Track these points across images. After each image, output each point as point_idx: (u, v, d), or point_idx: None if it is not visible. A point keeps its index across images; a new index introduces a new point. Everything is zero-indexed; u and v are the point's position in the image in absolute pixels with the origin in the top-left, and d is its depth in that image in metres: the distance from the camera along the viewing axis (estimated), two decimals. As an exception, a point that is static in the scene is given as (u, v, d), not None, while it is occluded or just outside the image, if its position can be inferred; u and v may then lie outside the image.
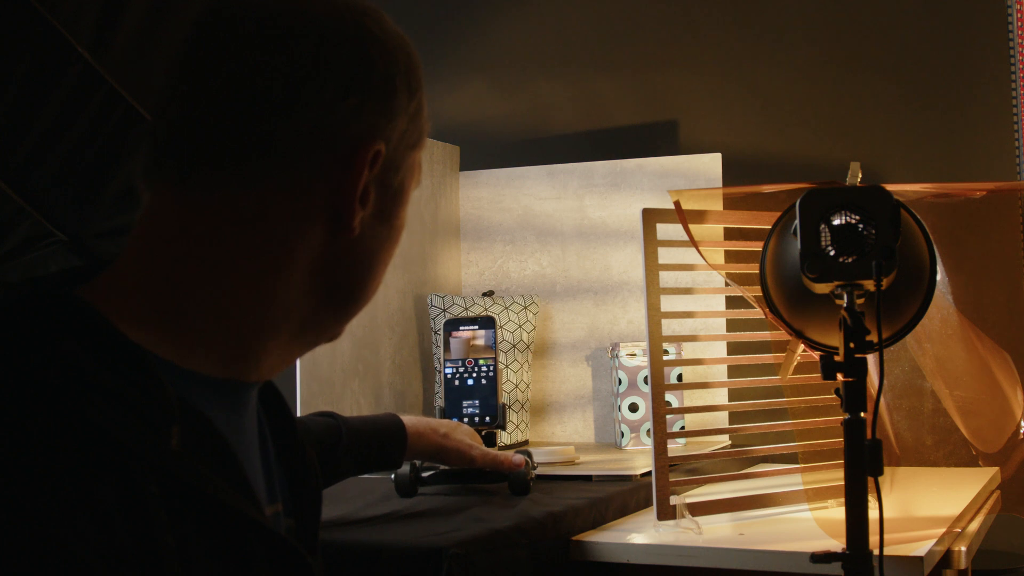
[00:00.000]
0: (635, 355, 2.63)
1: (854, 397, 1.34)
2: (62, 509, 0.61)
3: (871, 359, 1.46)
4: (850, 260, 1.32)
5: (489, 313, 2.70)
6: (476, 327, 2.06)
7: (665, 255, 1.87)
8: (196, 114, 0.77)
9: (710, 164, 2.76)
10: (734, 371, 2.63)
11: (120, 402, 0.68)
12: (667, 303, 1.87)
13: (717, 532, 1.79)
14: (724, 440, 2.60)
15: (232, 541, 0.73)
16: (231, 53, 0.77)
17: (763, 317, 1.62)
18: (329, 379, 2.38)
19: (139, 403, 0.70)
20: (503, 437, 2.64)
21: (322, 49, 0.77)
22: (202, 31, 0.79)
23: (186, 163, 0.77)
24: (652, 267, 1.85)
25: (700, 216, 1.84)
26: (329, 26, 0.78)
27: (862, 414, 1.34)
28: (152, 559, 0.65)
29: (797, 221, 1.34)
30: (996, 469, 2.23)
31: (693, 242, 1.79)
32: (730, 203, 2.02)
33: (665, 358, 1.87)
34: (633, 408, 2.62)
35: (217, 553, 0.72)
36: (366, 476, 2.28)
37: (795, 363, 1.66)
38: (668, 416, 2.07)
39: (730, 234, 1.97)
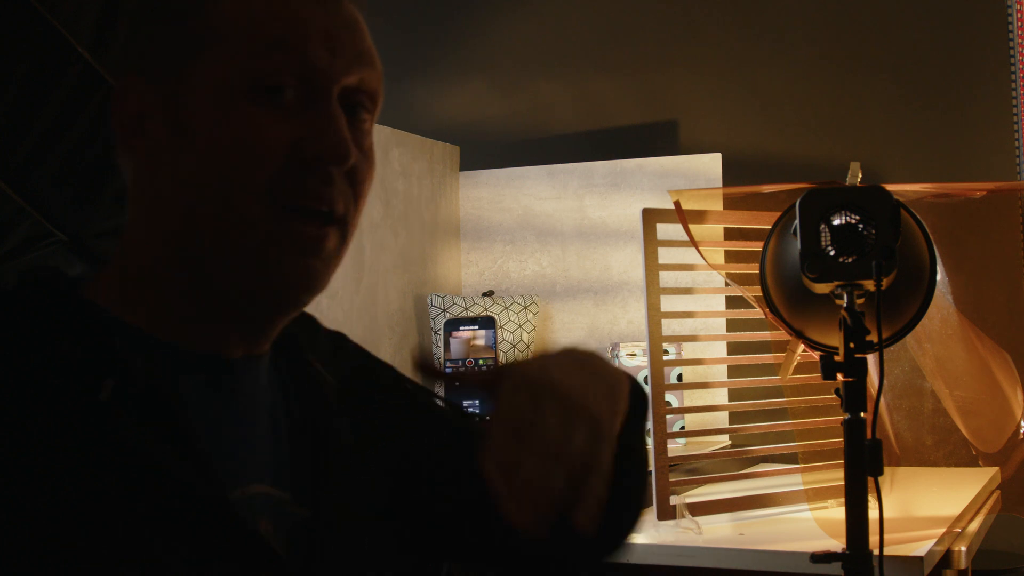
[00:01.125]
0: (635, 355, 2.63)
1: (854, 397, 1.34)
2: None
3: (871, 359, 1.46)
4: (850, 260, 1.32)
5: (489, 313, 2.70)
6: (476, 327, 2.06)
7: (665, 255, 1.87)
8: None
9: (710, 164, 2.76)
10: (734, 371, 2.63)
11: (54, 354, 0.72)
12: (667, 303, 1.87)
13: (717, 532, 1.79)
14: (724, 440, 2.59)
15: (166, 503, 0.72)
16: None
17: (763, 317, 1.62)
18: (329, 379, 2.38)
19: (76, 355, 0.73)
20: (503, 437, 2.64)
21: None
22: None
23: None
24: (652, 267, 1.85)
25: (700, 216, 1.85)
26: None
27: (862, 414, 1.34)
28: (54, 503, 0.67)
29: (797, 221, 1.34)
30: (996, 469, 2.23)
31: (693, 242, 1.79)
32: (730, 203, 2.02)
33: (665, 358, 1.87)
34: (633, 408, 2.61)
35: (148, 513, 0.71)
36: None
37: (795, 363, 1.66)
38: (668, 416, 2.07)
39: (730, 234, 1.97)
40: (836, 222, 1.33)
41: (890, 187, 1.36)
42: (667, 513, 1.80)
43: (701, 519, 1.79)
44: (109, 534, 0.69)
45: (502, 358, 2.67)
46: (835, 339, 1.36)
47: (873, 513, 1.32)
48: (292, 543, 0.81)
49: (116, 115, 0.80)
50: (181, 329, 0.80)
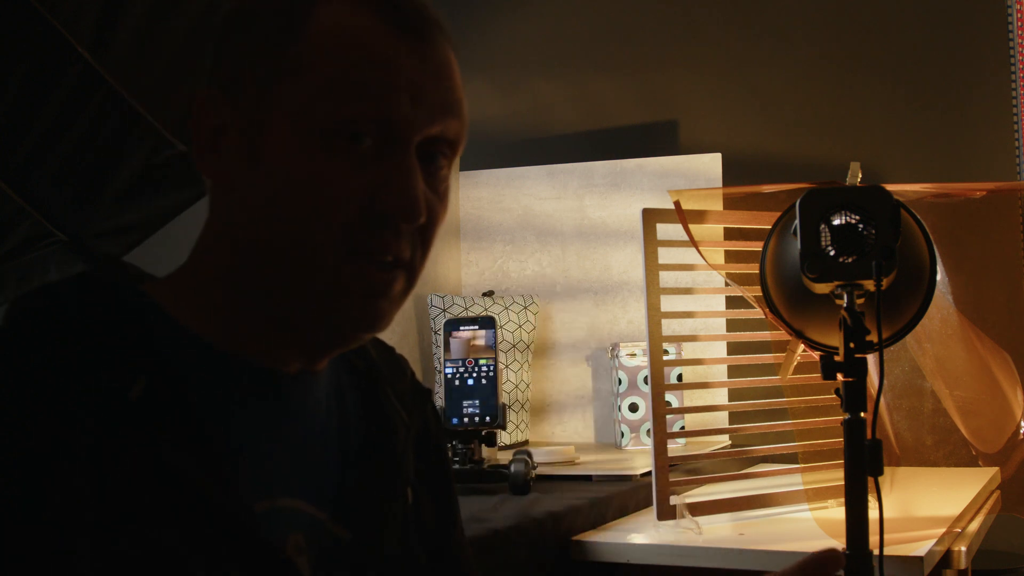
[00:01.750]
0: (635, 355, 2.63)
1: (854, 397, 1.34)
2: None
3: (871, 359, 1.46)
4: (850, 260, 1.32)
5: (489, 313, 2.70)
6: (476, 327, 2.06)
7: (665, 255, 1.87)
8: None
9: (710, 164, 2.76)
10: (734, 371, 2.63)
11: (99, 345, 0.72)
12: (667, 303, 1.87)
13: (717, 532, 1.79)
14: (724, 440, 2.60)
15: (174, 505, 0.71)
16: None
17: (763, 317, 1.62)
18: (329, 379, 2.38)
19: (116, 350, 0.73)
20: (503, 437, 2.64)
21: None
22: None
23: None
24: (652, 267, 1.85)
25: (700, 216, 1.85)
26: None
27: (862, 414, 1.34)
28: (65, 493, 0.67)
29: (797, 221, 1.34)
30: (996, 469, 2.23)
31: (693, 242, 1.79)
32: (730, 203, 2.02)
33: (665, 358, 1.87)
34: (633, 408, 2.62)
35: (159, 513, 0.71)
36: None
37: (795, 363, 1.66)
38: (668, 416, 2.07)
39: (730, 234, 1.97)
40: (836, 222, 1.33)
41: (890, 187, 1.36)
42: (667, 513, 1.80)
43: (701, 519, 1.79)
44: (125, 531, 0.69)
45: (502, 358, 2.68)
46: (835, 339, 1.35)
47: (873, 513, 1.32)
48: (322, 561, 0.81)
49: (195, 126, 0.79)
50: (238, 340, 0.79)
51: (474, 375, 2.03)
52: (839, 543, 1.39)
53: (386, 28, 0.77)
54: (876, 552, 1.31)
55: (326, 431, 0.85)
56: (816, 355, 1.42)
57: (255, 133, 0.77)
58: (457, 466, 1.96)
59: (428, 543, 0.93)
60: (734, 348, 2.59)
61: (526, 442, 2.75)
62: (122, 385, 0.72)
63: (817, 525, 1.76)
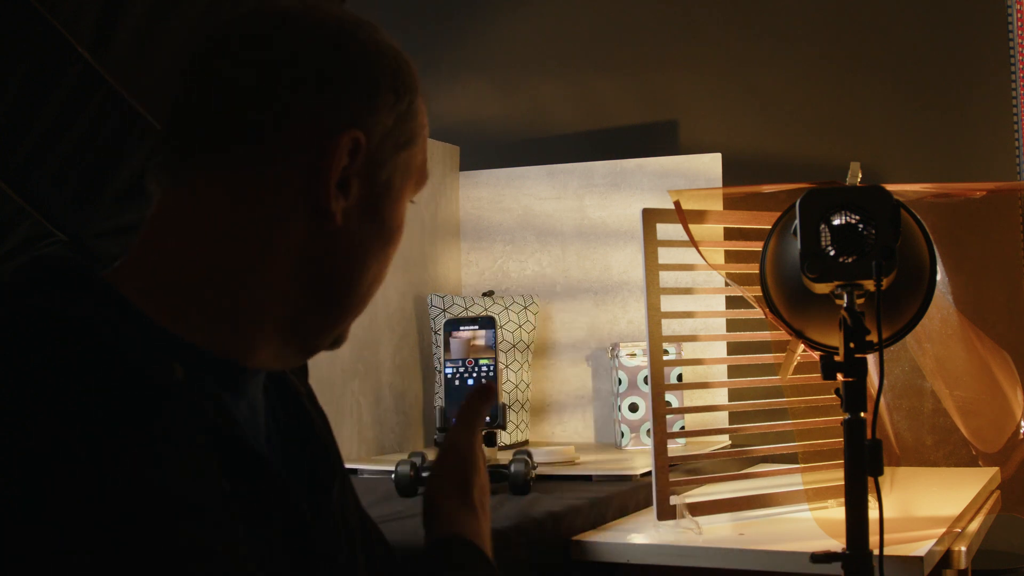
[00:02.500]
0: (635, 355, 2.63)
1: (854, 397, 1.34)
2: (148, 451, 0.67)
3: (871, 359, 1.46)
4: (850, 260, 1.32)
5: (489, 313, 2.70)
6: (476, 327, 2.06)
7: (665, 255, 1.87)
8: (189, 105, 0.85)
9: (710, 164, 2.76)
10: (734, 371, 2.63)
11: (129, 340, 0.74)
12: (667, 303, 1.87)
13: (717, 532, 1.79)
14: (724, 440, 2.60)
15: (240, 475, 0.75)
16: (222, 52, 0.85)
17: (763, 317, 1.62)
18: (329, 379, 2.38)
19: (145, 343, 0.75)
20: (503, 437, 2.64)
21: (301, 47, 0.84)
22: (206, 38, 0.87)
23: (183, 149, 0.84)
24: (652, 267, 1.85)
25: (700, 216, 1.85)
26: (312, 28, 0.86)
27: (862, 414, 1.34)
28: (212, 487, 0.70)
29: (797, 221, 1.34)
30: (996, 469, 2.23)
31: (693, 242, 1.79)
32: (730, 203, 2.02)
33: (665, 358, 1.87)
34: (633, 408, 2.62)
35: (229, 483, 0.73)
36: (366, 476, 2.28)
37: (795, 363, 1.66)
38: (668, 416, 2.07)
39: (730, 234, 1.97)
40: (836, 222, 1.33)
41: (890, 187, 1.36)
42: (667, 513, 1.80)
43: (701, 519, 1.79)
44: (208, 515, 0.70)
45: (502, 358, 2.68)
46: (835, 339, 1.36)
47: (873, 513, 1.32)
48: None
49: (333, 161, 0.83)
50: (206, 334, 0.81)
51: (474, 375, 2.03)
52: (839, 543, 1.39)
53: (427, 127, 0.92)
54: (876, 552, 1.31)
55: (267, 422, 0.90)
56: (816, 355, 1.42)
57: (380, 190, 0.86)
58: (457, 466, 1.96)
59: (358, 521, 1.00)
60: (734, 348, 2.59)
61: (526, 442, 2.75)
62: (165, 369, 0.73)
63: (817, 525, 1.76)
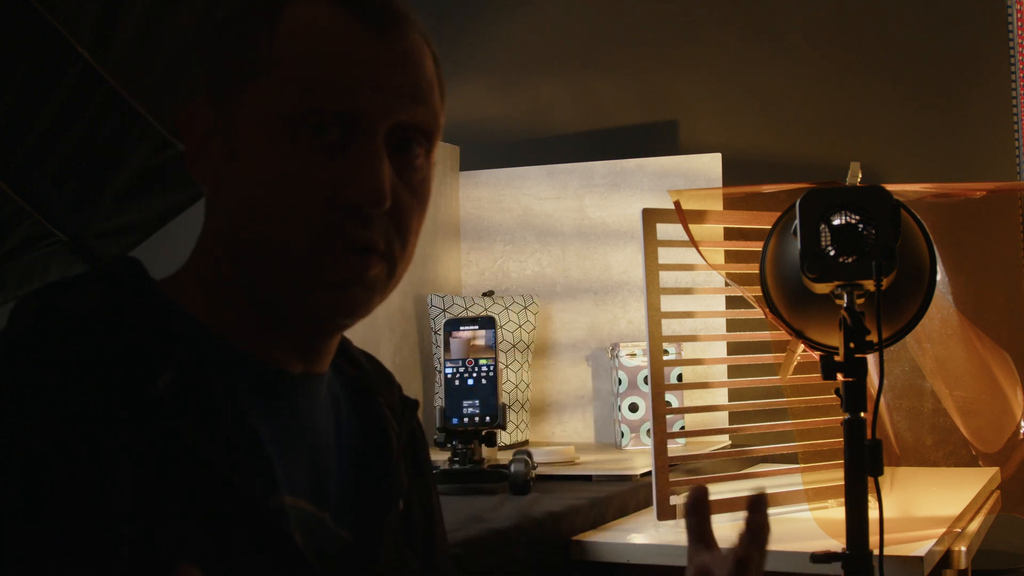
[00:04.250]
0: (635, 355, 2.63)
1: (854, 397, 1.34)
2: (34, 410, 0.69)
3: (871, 359, 1.46)
4: (850, 260, 1.32)
5: (489, 313, 2.70)
6: (476, 327, 2.06)
7: (665, 255, 1.87)
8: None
9: (710, 164, 2.76)
10: (734, 371, 2.63)
11: (122, 340, 0.74)
12: (667, 303, 1.87)
13: (717, 532, 1.78)
14: (724, 440, 2.60)
15: (202, 496, 0.73)
16: None
17: (763, 317, 1.62)
18: (329, 379, 2.38)
19: (138, 345, 0.74)
20: (503, 437, 2.64)
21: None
22: None
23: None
24: (652, 267, 1.85)
25: (700, 216, 1.85)
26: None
27: (862, 414, 1.34)
28: (99, 482, 0.69)
29: (797, 221, 1.34)
30: (996, 469, 2.23)
31: (693, 242, 1.79)
32: (730, 203, 2.02)
33: (665, 358, 1.87)
34: (633, 408, 2.62)
35: (186, 503, 0.72)
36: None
37: (795, 363, 1.66)
38: (668, 416, 2.07)
39: (730, 234, 1.97)
40: (836, 222, 1.33)
41: (890, 187, 1.36)
42: (667, 513, 1.80)
43: (701, 519, 1.79)
44: (148, 519, 0.70)
45: (502, 358, 2.68)
46: (835, 339, 1.36)
47: (873, 513, 1.32)
48: (323, 559, 0.82)
49: (186, 134, 0.83)
50: (247, 337, 0.82)
51: (474, 375, 2.03)
52: (839, 543, 1.39)
53: (348, 23, 0.80)
54: (876, 552, 1.31)
55: (326, 434, 0.87)
56: (816, 355, 1.42)
57: (232, 134, 0.80)
58: (457, 466, 1.96)
59: (417, 551, 0.95)
60: (734, 348, 2.59)
61: (526, 442, 2.75)
62: (148, 378, 0.73)
63: (817, 525, 1.76)
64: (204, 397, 0.76)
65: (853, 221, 1.32)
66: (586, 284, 2.86)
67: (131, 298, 0.78)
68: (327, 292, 0.80)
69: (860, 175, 1.54)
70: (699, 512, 1.00)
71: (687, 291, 2.12)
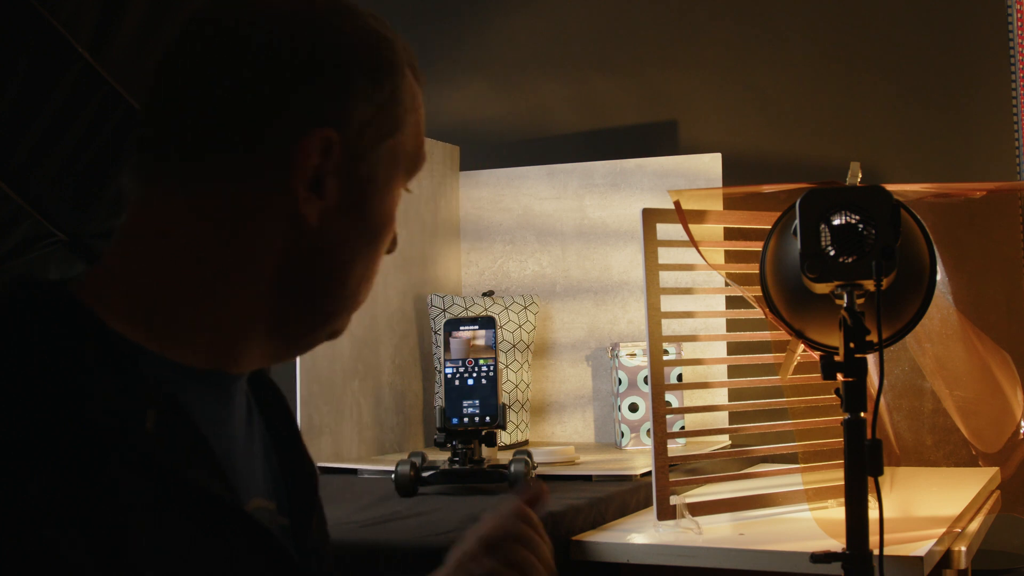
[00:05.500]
0: (635, 355, 2.63)
1: (854, 397, 1.34)
2: (30, 487, 0.65)
3: (871, 359, 1.46)
4: (850, 260, 1.32)
5: (489, 313, 2.70)
6: (476, 327, 2.06)
7: (665, 255, 1.87)
8: (161, 109, 0.81)
9: (710, 164, 2.76)
10: (734, 371, 2.63)
11: (97, 386, 0.71)
12: (667, 303, 1.87)
13: (717, 532, 1.79)
14: (724, 440, 2.60)
15: (210, 527, 0.73)
16: (190, 52, 0.81)
17: (763, 317, 1.62)
18: (329, 379, 2.38)
19: (115, 388, 0.72)
20: (503, 437, 2.64)
21: (273, 42, 0.80)
22: (178, 36, 0.83)
23: (158, 152, 0.81)
24: (652, 267, 1.85)
25: (700, 216, 1.85)
26: (284, 19, 0.81)
27: (862, 414, 1.34)
28: (120, 536, 0.67)
29: (797, 221, 1.34)
30: (996, 469, 2.23)
31: (693, 242, 1.79)
32: (730, 203, 2.02)
33: (665, 358, 1.87)
34: (633, 408, 2.62)
35: (196, 538, 0.72)
36: (366, 476, 2.28)
37: (795, 363, 1.66)
38: (668, 416, 2.07)
39: (730, 234, 1.97)
40: (836, 222, 1.33)
41: (890, 187, 1.36)
42: (667, 513, 1.80)
43: (701, 519, 1.79)
44: (163, 554, 0.70)
45: (502, 358, 2.68)
46: (835, 339, 1.36)
47: (873, 513, 1.32)
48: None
49: (303, 162, 0.79)
50: (190, 350, 0.80)
51: (474, 375, 2.03)
52: (839, 543, 1.39)
53: (421, 107, 0.88)
54: (876, 552, 1.31)
55: (249, 424, 0.88)
56: (816, 355, 1.42)
57: (365, 184, 0.83)
58: (457, 466, 1.96)
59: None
60: (734, 348, 2.59)
61: (526, 442, 2.75)
62: (137, 421, 0.72)
63: (817, 525, 1.76)
64: (184, 426, 0.76)
65: (853, 221, 1.32)
66: (586, 284, 2.86)
67: (83, 338, 0.74)
68: (346, 321, 0.87)
69: (860, 175, 1.54)
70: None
71: (687, 291, 2.12)
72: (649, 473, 1.91)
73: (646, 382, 2.42)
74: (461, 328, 2.07)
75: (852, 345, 1.32)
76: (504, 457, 2.00)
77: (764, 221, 1.83)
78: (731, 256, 1.95)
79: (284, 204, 0.79)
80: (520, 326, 2.75)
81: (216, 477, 0.76)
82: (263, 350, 0.83)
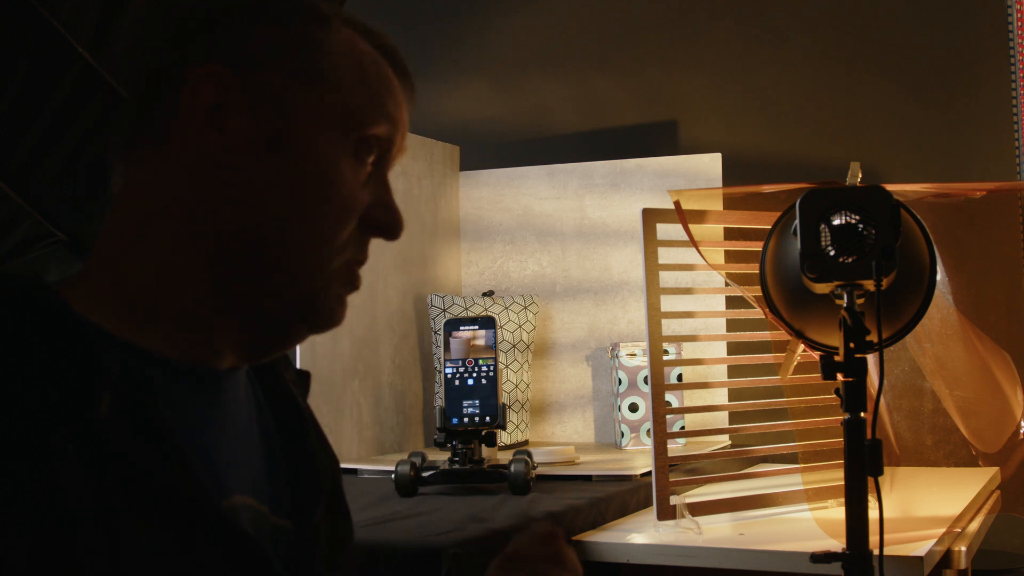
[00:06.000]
0: (635, 355, 2.63)
1: (854, 397, 1.34)
2: None
3: (871, 359, 1.46)
4: (850, 260, 1.32)
5: (489, 313, 2.70)
6: (476, 327, 2.06)
7: (665, 255, 1.87)
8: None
9: (710, 164, 2.76)
10: (734, 371, 2.63)
11: (47, 369, 0.70)
12: (667, 303, 1.87)
13: (717, 532, 1.79)
14: (724, 440, 2.60)
15: (166, 521, 0.71)
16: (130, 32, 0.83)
17: (763, 317, 1.62)
18: (329, 379, 2.38)
19: (68, 371, 0.70)
20: (503, 437, 2.64)
21: (173, 5, 0.81)
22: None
23: (120, 125, 0.82)
24: (652, 267, 1.85)
25: (700, 216, 1.85)
26: None
27: (862, 414, 1.34)
28: (64, 520, 0.66)
29: (797, 221, 1.34)
30: (996, 469, 2.23)
31: (693, 242, 1.79)
32: (730, 203, 2.02)
33: (665, 358, 1.87)
34: (633, 408, 2.62)
35: (149, 525, 0.70)
36: (366, 476, 2.28)
37: (795, 363, 1.66)
38: (668, 416, 2.07)
39: (730, 234, 1.97)
40: (836, 222, 1.33)
41: (890, 187, 1.36)
42: (667, 513, 1.80)
43: (701, 519, 1.79)
44: (110, 544, 0.68)
45: (502, 358, 2.68)
46: (835, 339, 1.36)
47: (873, 513, 1.32)
48: (275, 553, 0.82)
49: (189, 98, 0.77)
50: (171, 342, 0.78)
51: (474, 375, 2.03)
52: (839, 543, 1.39)
53: (388, 63, 0.85)
54: (876, 552, 1.31)
55: (251, 423, 0.86)
56: (816, 355, 1.42)
57: (278, 122, 0.79)
58: (457, 466, 1.96)
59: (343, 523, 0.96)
60: (734, 348, 2.59)
61: (526, 442, 2.75)
62: (87, 405, 0.70)
63: (817, 525, 1.76)
64: (143, 413, 0.73)
65: (853, 221, 1.33)
66: (586, 284, 2.86)
67: (42, 322, 0.72)
68: (327, 304, 0.82)
69: (860, 175, 1.54)
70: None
71: (687, 291, 2.12)
72: (649, 473, 1.91)
73: (646, 382, 2.42)
74: (461, 328, 2.07)
75: (852, 345, 1.32)
76: (504, 457, 2.00)
77: (764, 221, 1.83)
78: (731, 256, 1.95)
79: (189, 143, 0.78)
80: (520, 326, 2.75)
81: (177, 468, 0.73)
82: (238, 341, 0.81)
